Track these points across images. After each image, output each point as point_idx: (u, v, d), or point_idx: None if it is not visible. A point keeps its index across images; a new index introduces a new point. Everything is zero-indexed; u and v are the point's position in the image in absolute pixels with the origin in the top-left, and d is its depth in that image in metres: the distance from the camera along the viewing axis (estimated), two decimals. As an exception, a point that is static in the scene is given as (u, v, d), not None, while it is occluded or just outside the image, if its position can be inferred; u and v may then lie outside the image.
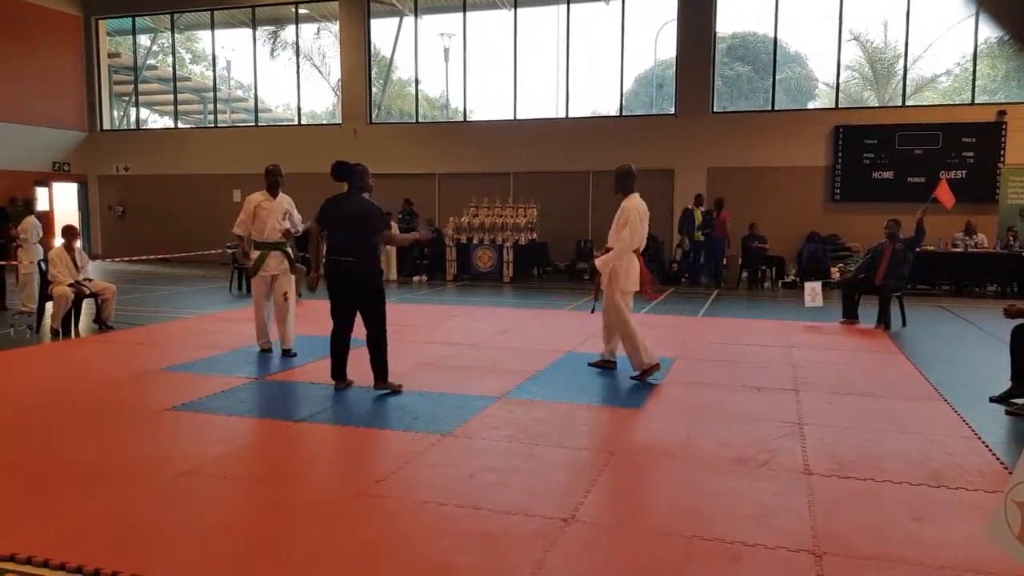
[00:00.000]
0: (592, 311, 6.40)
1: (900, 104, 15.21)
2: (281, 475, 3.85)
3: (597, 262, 6.07)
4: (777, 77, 15.99)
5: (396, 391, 5.42)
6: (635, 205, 5.90)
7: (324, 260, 5.42)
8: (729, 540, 3.05)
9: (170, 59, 20.06)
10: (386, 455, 4.20)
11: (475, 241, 14.32)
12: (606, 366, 6.27)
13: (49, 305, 8.21)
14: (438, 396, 5.37)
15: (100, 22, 19.43)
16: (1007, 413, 5.04)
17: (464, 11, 16.62)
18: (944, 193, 9.21)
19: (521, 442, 4.33)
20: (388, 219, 5.54)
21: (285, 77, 20.06)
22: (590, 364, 6.34)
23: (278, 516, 3.33)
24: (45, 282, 8.32)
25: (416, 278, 14.36)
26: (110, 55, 20.00)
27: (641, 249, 6.03)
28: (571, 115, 16.32)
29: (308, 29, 19.58)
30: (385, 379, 5.42)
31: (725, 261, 14.51)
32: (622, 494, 3.72)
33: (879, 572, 2.81)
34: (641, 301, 11.06)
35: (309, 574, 2.80)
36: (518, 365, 6.43)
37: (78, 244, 8.49)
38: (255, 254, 6.84)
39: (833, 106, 15.37)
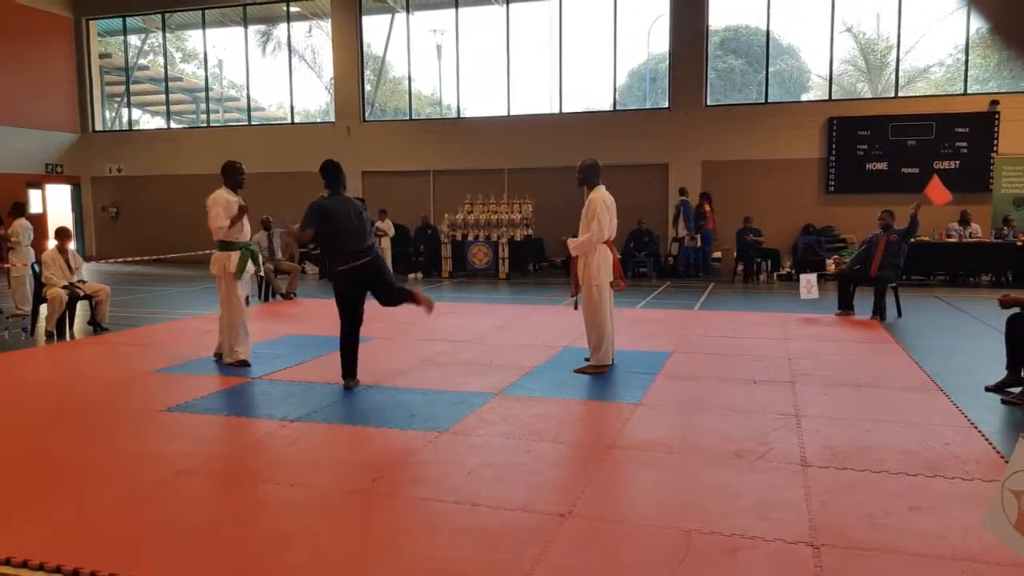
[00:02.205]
0: (576, 307, 6.38)
1: (893, 95, 15.23)
2: (277, 474, 3.84)
3: (570, 243, 6.06)
4: (770, 70, 16.03)
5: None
6: (600, 197, 5.91)
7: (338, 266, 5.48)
8: (727, 533, 3.05)
9: (161, 59, 19.98)
10: (383, 453, 4.20)
11: (470, 238, 14.30)
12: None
13: (43, 307, 8.18)
14: (435, 393, 5.36)
15: (91, 23, 19.34)
16: (1003, 402, 5.05)
17: (456, 7, 16.57)
18: (935, 191, 9.08)
19: (518, 438, 4.33)
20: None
21: (277, 76, 19.97)
22: (576, 370, 6.10)
23: (275, 515, 3.33)
24: (39, 284, 8.29)
25: (412, 275, 14.35)
26: (101, 56, 19.92)
27: (611, 240, 6.03)
28: (565, 110, 16.30)
29: (300, 27, 19.53)
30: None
31: (720, 254, 14.57)
32: (620, 488, 3.72)
33: (877, 562, 2.81)
34: (638, 295, 11.08)
35: (306, 572, 2.79)
36: (515, 361, 6.42)
37: (71, 246, 8.47)
38: (235, 254, 6.25)
39: (826, 98, 15.38)
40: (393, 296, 5.63)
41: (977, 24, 14.32)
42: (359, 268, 5.39)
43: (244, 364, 6.31)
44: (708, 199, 14.18)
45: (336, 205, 5.41)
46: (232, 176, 6.34)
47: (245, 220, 6.37)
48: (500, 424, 4.60)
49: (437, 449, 4.16)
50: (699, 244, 14.16)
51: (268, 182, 16.34)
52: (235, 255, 6.27)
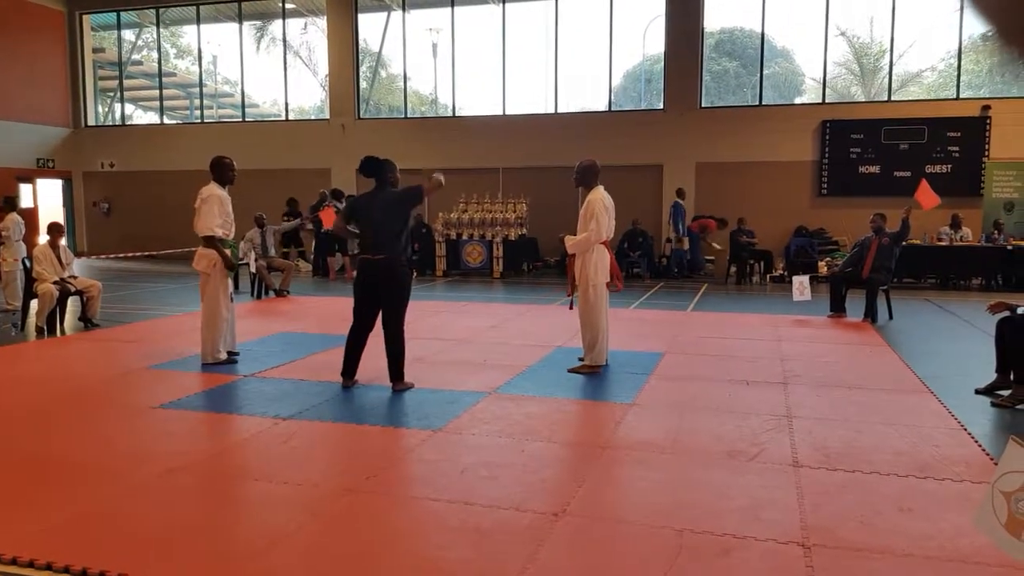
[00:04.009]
0: (571, 307, 6.39)
1: (886, 99, 15.30)
2: (270, 472, 3.83)
3: (567, 240, 6.05)
4: (764, 72, 16.05)
5: (409, 388, 5.43)
6: (599, 197, 5.90)
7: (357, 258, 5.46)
8: (719, 533, 3.06)
9: (155, 54, 19.89)
10: (377, 451, 4.20)
11: (465, 237, 14.30)
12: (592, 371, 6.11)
13: (34, 303, 8.14)
14: (429, 392, 5.36)
15: (84, 17, 19.23)
16: (993, 405, 5.09)
17: (452, 5, 16.56)
18: (924, 195, 9.10)
19: (512, 437, 4.34)
20: (420, 188, 5.50)
21: (272, 72, 19.93)
22: (570, 370, 6.09)
23: (267, 513, 3.32)
24: (30, 280, 8.25)
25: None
26: (95, 50, 19.81)
27: (609, 240, 6.04)
28: (560, 110, 16.31)
29: (295, 24, 19.47)
30: (402, 379, 5.43)
31: (714, 255, 14.63)
32: (613, 488, 3.73)
33: (867, 563, 2.83)
34: (631, 296, 11.10)
35: (299, 571, 2.79)
36: (509, 360, 6.43)
37: (63, 241, 8.42)
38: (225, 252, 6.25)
39: (820, 101, 15.44)
40: (388, 327, 5.33)
41: (980, 25, 14.39)
42: (367, 265, 5.33)
43: (230, 361, 6.28)
44: (720, 222, 14.27)
45: (361, 198, 5.54)
46: (223, 172, 6.26)
47: (231, 217, 6.30)
48: (494, 423, 4.60)
49: (431, 448, 4.16)
50: (686, 246, 14.21)
51: (262, 179, 16.28)
52: (226, 252, 6.23)
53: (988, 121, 13.86)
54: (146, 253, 16.32)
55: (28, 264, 8.41)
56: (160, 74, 19.54)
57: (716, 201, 14.79)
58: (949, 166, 14.04)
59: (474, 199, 14.77)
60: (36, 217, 17.23)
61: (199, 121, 19.65)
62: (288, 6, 18.17)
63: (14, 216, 9.80)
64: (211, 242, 6.13)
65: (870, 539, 3.02)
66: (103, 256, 16.84)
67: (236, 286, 9.47)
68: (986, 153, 13.85)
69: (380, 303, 5.38)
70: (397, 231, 5.30)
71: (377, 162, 5.40)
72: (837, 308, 9.02)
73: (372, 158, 5.42)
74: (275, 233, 11.71)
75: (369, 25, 18.14)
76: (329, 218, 12.11)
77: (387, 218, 5.29)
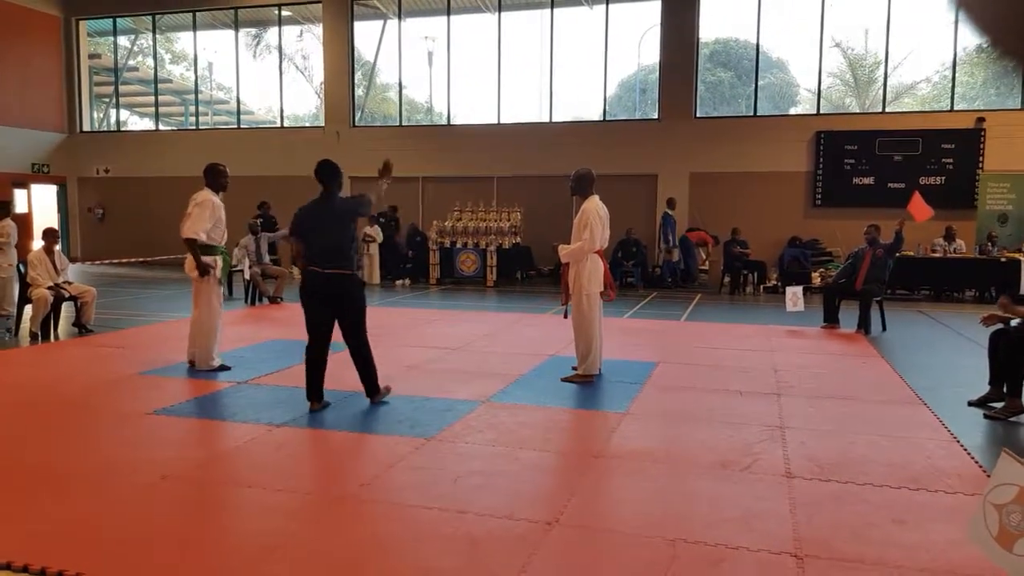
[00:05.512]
0: (565, 316, 6.40)
1: (880, 111, 15.39)
2: (263, 479, 3.81)
3: (561, 250, 6.06)
4: (759, 83, 16.17)
5: (386, 392, 5.33)
6: (594, 207, 5.91)
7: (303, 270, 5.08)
8: (712, 543, 3.06)
9: (151, 60, 19.90)
10: (370, 459, 4.18)
11: (458, 245, 14.30)
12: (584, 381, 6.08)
13: (28, 308, 8.11)
14: (422, 400, 5.35)
15: (81, 23, 19.23)
16: (985, 417, 5.10)
17: (448, 14, 16.62)
18: (917, 207, 9.13)
19: (505, 446, 4.33)
20: (364, 197, 5.27)
21: (267, 79, 19.97)
22: (563, 379, 6.08)
23: (260, 521, 3.31)
24: (24, 285, 8.22)
25: (399, 282, 14.32)
26: (90, 56, 19.80)
27: (603, 249, 6.04)
28: (555, 119, 16.36)
29: (291, 31, 19.53)
30: (377, 391, 5.25)
31: (707, 265, 14.66)
32: (606, 497, 3.73)
33: (860, 575, 2.83)
34: (625, 305, 11.11)
35: (292, 580, 2.77)
36: (502, 369, 6.43)
37: (57, 247, 8.40)
38: (217, 259, 6.23)
39: (815, 112, 15.52)
40: (351, 340, 5.07)
41: (976, 36, 14.50)
42: (317, 277, 4.95)
43: (223, 368, 6.26)
44: (713, 239, 14.32)
45: (309, 207, 5.12)
46: (216, 178, 6.25)
47: (223, 224, 6.27)
48: (487, 432, 4.60)
49: (424, 456, 4.16)
50: (675, 258, 14.21)
51: (256, 186, 16.28)
52: (219, 259, 6.24)
53: (982, 133, 13.94)
54: (140, 259, 16.26)
55: (22, 269, 8.37)
56: (155, 80, 19.54)
57: (710, 211, 14.83)
58: (943, 178, 14.10)
59: (468, 207, 14.78)
60: (30, 222, 17.17)
61: (194, 128, 19.64)
62: (284, 13, 18.21)
63: (8, 221, 9.76)
64: (191, 245, 6.09)
65: (863, 550, 3.02)
66: (97, 262, 16.79)
67: (229, 292, 9.45)
68: (980, 165, 13.92)
69: (336, 317, 5.06)
70: (347, 242, 5.05)
71: (336, 167, 5.15)
72: (830, 319, 9.04)
73: (331, 162, 5.16)
74: (268, 241, 11.69)
75: (365, 33, 18.20)
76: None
77: (338, 228, 5.01)
